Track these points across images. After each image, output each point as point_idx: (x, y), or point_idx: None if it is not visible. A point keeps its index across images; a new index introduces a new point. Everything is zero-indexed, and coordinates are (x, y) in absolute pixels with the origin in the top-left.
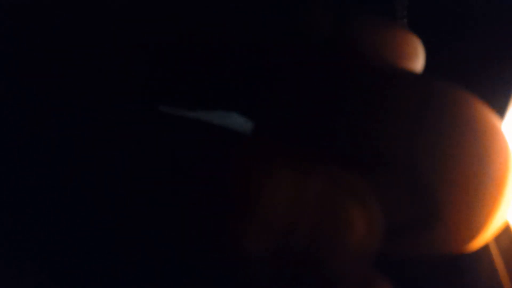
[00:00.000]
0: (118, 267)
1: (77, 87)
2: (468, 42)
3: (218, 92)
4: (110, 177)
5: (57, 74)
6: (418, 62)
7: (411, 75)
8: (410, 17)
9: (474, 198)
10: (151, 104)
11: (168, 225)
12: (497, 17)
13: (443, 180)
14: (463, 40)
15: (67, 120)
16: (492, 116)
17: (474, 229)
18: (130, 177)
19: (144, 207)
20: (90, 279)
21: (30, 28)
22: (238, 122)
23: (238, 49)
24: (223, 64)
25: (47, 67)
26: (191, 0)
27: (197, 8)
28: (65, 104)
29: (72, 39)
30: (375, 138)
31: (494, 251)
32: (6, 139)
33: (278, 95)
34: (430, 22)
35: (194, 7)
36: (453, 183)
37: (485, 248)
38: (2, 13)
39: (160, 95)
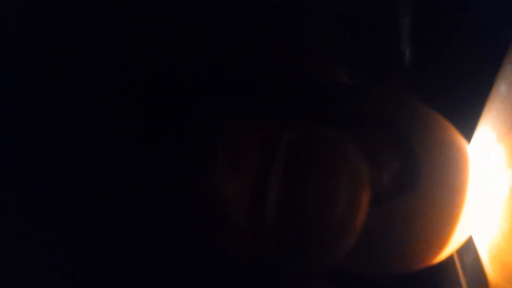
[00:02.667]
0: (119, 267)
1: (78, 87)
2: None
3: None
4: (111, 177)
5: (57, 74)
6: None
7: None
8: (411, 18)
9: (441, 209)
10: (148, 102)
11: (168, 225)
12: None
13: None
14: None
15: (68, 119)
16: (459, 139)
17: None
18: (129, 178)
19: (143, 208)
20: (90, 279)
21: (30, 28)
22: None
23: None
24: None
25: (47, 67)
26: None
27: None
28: (66, 103)
29: (72, 39)
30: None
31: (458, 265)
32: (6, 139)
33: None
34: (431, 23)
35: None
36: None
37: (450, 262)
38: (2, 13)
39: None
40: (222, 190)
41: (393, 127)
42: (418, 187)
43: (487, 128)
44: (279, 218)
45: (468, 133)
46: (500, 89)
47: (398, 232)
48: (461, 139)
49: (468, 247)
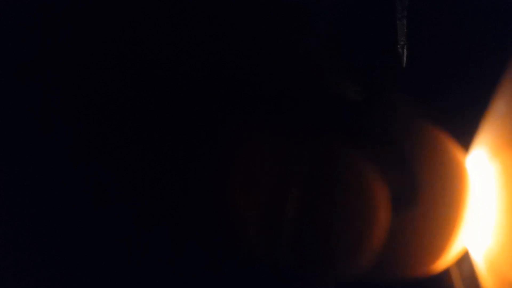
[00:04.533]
0: (121, 267)
1: (79, 88)
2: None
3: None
4: (112, 177)
5: (57, 74)
6: None
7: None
8: (410, 18)
9: (438, 218)
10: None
11: (172, 224)
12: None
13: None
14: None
15: (69, 119)
16: (457, 151)
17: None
18: (131, 178)
19: (146, 208)
20: (91, 279)
21: (30, 29)
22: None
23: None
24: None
25: (47, 67)
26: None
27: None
28: (67, 104)
29: (73, 40)
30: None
31: (455, 277)
32: (6, 139)
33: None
34: (429, 23)
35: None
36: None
37: (447, 274)
38: (2, 13)
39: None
40: (237, 199)
41: (394, 141)
42: (417, 200)
43: (484, 141)
44: (296, 231)
45: (465, 146)
46: (498, 102)
47: (396, 244)
48: (458, 152)
49: (465, 259)
